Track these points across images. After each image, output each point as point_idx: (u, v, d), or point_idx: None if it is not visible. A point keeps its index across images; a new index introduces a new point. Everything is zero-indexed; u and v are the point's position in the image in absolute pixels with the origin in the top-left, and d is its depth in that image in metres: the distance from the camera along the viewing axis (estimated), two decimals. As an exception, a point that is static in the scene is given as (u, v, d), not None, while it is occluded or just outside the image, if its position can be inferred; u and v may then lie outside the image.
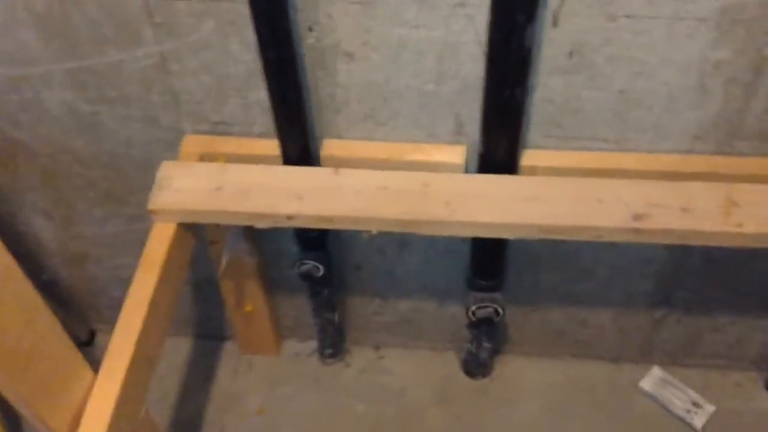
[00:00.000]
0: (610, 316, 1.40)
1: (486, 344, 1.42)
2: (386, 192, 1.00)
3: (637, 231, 0.96)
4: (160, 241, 1.00)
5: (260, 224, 1.01)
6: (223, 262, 1.23)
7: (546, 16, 0.91)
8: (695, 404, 1.44)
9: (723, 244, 0.96)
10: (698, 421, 1.41)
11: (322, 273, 1.23)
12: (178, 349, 1.57)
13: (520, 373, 1.52)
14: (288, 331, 1.55)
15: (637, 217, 0.96)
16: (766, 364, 1.45)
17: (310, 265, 1.21)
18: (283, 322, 1.53)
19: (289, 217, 0.99)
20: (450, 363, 1.53)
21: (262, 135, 1.10)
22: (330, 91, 1.04)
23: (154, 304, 0.95)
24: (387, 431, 1.45)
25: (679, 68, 0.95)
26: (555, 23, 0.92)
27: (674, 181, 1.02)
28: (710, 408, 1.43)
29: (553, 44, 0.95)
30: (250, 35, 0.94)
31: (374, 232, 1.01)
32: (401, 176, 1.02)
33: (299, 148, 1.04)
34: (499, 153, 1.01)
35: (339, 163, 1.08)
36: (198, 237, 1.10)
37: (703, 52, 0.93)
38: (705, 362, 1.48)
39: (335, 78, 1.02)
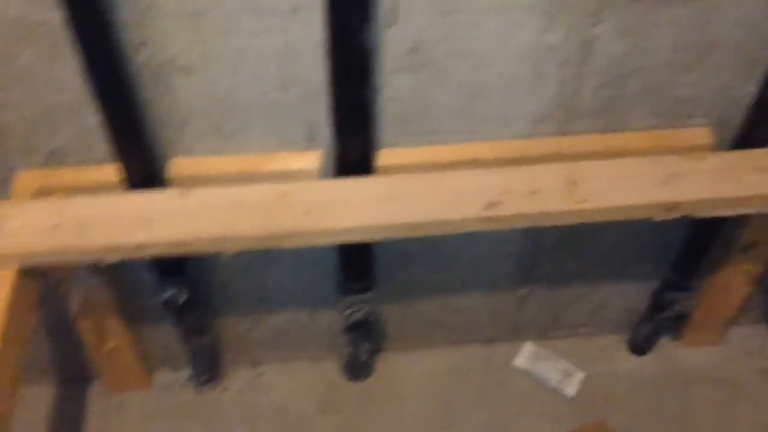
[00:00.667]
0: (479, 300, 1.44)
1: (365, 345, 1.41)
2: (241, 208, 0.96)
3: (492, 219, 0.98)
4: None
5: (109, 258, 0.95)
6: (75, 301, 1.15)
7: (382, 15, 0.91)
8: (566, 373, 1.50)
9: (570, 221, 1.00)
10: (571, 389, 1.48)
11: (185, 299, 1.17)
12: (41, 399, 1.45)
13: (401, 368, 1.52)
14: (158, 362, 1.47)
15: (490, 205, 0.98)
16: (626, 326, 1.54)
17: (171, 292, 1.15)
18: (152, 352, 1.45)
19: (139, 247, 0.93)
20: (331, 370, 1.51)
21: (102, 161, 1.03)
22: (170, 108, 0.99)
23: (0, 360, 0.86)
24: (273, 450, 1.41)
25: (515, 56, 0.98)
26: (393, 22, 0.92)
27: (523, 165, 1.05)
28: (580, 375, 1.50)
29: (392, 43, 0.95)
30: (75, 58, 0.88)
31: (231, 252, 0.97)
32: (256, 189, 0.99)
33: (143, 170, 0.98)
34: (353, 155, 1.01)
35: (190, 182, 1.03)
36: (43, 278, 1.01)
37: (534, 39, 0.96)
38: (572, 332, 1.55)
39: (174, 94, 0.97)
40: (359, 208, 0.98)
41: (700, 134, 1.09)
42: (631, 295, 1.46)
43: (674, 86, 1.05)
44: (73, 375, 1.46)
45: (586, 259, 1.37)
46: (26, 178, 1.01)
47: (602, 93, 1.05)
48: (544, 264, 1.37)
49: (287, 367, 1.51)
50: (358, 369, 1.47)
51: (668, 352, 1.55)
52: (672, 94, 1.06)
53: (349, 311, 1.25)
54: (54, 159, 1.03)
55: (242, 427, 1.43)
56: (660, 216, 1.01)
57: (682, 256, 1.29)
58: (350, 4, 0.80)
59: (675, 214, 1.01)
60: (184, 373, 1.47)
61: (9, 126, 0.97)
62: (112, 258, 0.95)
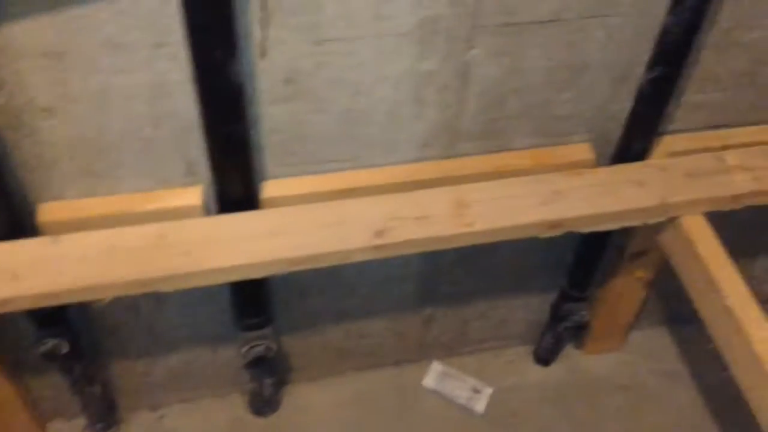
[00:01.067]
0: (383, 324, 1.42)
1: (268, 380, 1.37)
2: (117, 252, 0.92)
3: (380, 247, 0.97)
4: None
5: (-28, 316, 0.88)
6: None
7: (252, 47, 0.88)
8: (475, 390, 1.50)
9: (460, 244, 1.00)
10: (479, 406, 1.48)
11: (67, 348, 1.10)
12: None
13: (309, 399, 1.49)
14: (51, 413, 1.39)
15: (378, 233, 0.97)
16: (531, 338, 1.56)
17: (51, 343, 1.08)
18: (42, 404, 1.36)
19: (4, 302, 0.87)
20: (236, 406, 1.47)
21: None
22: (35, 151, 0.94)
23: None
24: (177, 495, 1.35)
25: (393, 83, 0.97)
26: (263, 54, 0.89)
27: (412, 190, 1.04)
28: (488, 390, 1.50)
29: (267, 75, 0.92)
30: None
31: (107, 300, 0.92)
32: (132, 232, 0.94)
33: (6, 219, 0.91)
34: (235, 190, 0.97)
35: (63, 228, 0.97)
36: None
37: (411, 65, 0.96)
38: (478, 347, 1.55)
39: (38, 136, 0.92)
40: (242, 245, 0.95)
41: (582, 150, 1.11)
42: (532, 307, 1.48)
43: (552, 105, 1.06)
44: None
45: (485, 275, 1.37)
46: None
47: (484, 115, 1.05)
48: (445, 283, 1.37)
49: (190, 406, 1.46)
50: (263, 404, 1.43)
51: (573, 361, 1.58)
52: (551, 112, 1.07)
53: (246, 348, 1.21)
54: None
55: (144, 474, 1.37)
56: (545, 233, 1.02)
57: (574, 268, 1.31)
58: (212, 39, 0.77)
59: (559, 231, 1.02)
60: (80, 422, 1.40)
61: None
62: (-25, 316, 0.88)
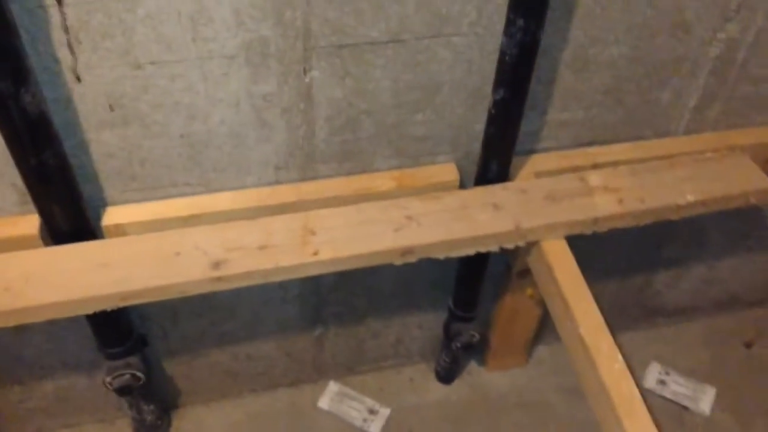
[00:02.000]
0: (272, 345, 1.38)
1: (147, 407, 1.32)
2: (-72, 290, 0.86)
3: (219, 279, 0.92)
4: None
5: None
6: None
7: (64, 72, 0.83)
8: (371, 411, 1.47)
9: (304, 274, 0.95)
10: (375, 428, 1.44)
11: None
12: None
13: (199, 423, 1.45)
14: (-76, 443, 1.34)
15: (216, 265, 0.92)
16: (432, 355, 1.52)
17: None
18: None
19: None
20: (122, 431, 1.42)
21: None
22: None
23: None
24: None
25: (230, 106, 0.93)
26: (77, 78, 0.84)
27: (268, 215, 1.00)
28: (385, 411, 1.47)
29: (86, 99, 0.87)
30: None
31: None
32: (-53, 267, 0.89)
33: None
34: (61, 220, 0.92)
35: None
36: None
37: (246, 88, 0.91)
38: (377, 365, 1.52)
39: None
40: (71, 278, 0.90)
41: (446, 171, 1.08)
42: (427, 324, 1.45)
43: (408, 126, 1.02)
44: None
45: (370, 295, 1.33)
46: None
47: (337, 137, 1.01)
48: (331, 304, 1.33)
49: (75, 432, 1.41)
50: (147, 430, 1.38)
51: (475, 378, 1.55)
52: (409, 133, 1.03)
53: (110, 378, 1.16)
54: None
55: (23, 504, 1.32)
56: (398, 261, 0.98)
57: (456, 288, 1.27)
58: (-5, 68, 0.72)
59: (411, 258, 0.98)
60: (-43, 452, 1.35)
61: None
62: None
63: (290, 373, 1.47)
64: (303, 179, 1.06)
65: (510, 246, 1.00)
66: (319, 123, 0.98)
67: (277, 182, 1.05)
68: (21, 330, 1.17)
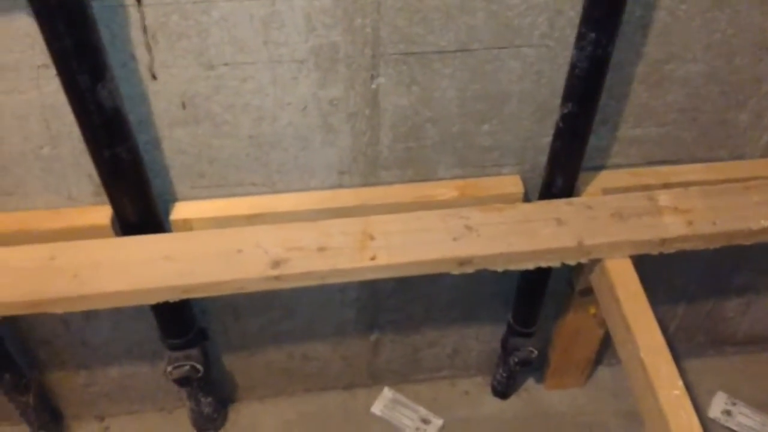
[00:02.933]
0: (328, 347, 1.39)
1: (206, 399, 1.36)
2: (4, 272, 0.91)
3: (277, 278, 0.94)
4: None
5: None
6: None
7: (140, 70, 0.87)
8: (424, 420, 1.46)
9: (361, 278, 0.96)
10: (427, 437, 1.43)
11: (-15, 360, 1.11)
12: None
13: (254, 419, 1.47)
14: (-4, 417, 1.41)
15: (276, 264, 0.94)
16: (488, 369, 1.51)
17: (-35, 354, 1.09)
18: (-14, 409, 1.38)
19: None
20: (181, 422, 1.45)
21: None
22: (-64, 168, 0.94)
23: None
24: None
25: (297, 109, 0.95)
26: (153, 76, 0.88)
27: (328, 218, 1.01)
28: (438, 422, 1.46)
29: (161, 97, 0.90)
30: None
31: (-3, 318, 0.91)
32: (22, 251, 0.93)
33: None
34: (132, 212, 0.96)
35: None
36: None
37: (314, 92, 0.93)
38: (432, 375, 1.51)
39: (-64, 154, 0.92)
40: (135, 269, 0.93)
41: (510, 183, 1.06)
42: (484, 338, 1.43)
43: (474, 136, 1.02)
44: None
45: (430, 303, 1.33)
46: None
47: (401, 144, 1.01)
48: (388, 310, 1.33)
49: (136, 419, 1.45)
50: (204, 422, 1.41)
51: (532, 395, 1.52)
52: (474, 143, 1.03)
53: (170, 368, 1.19)
54: None
55: (83, 484, 1.37)
56: (455, 270, 0.98)
57: (516, 303, 1.26)
58: (77, 64, 0.76)
59: (469, 269, 0.97)
60: (25, 428, 1.40)
61: None
62: None
63: (344, 376, 1.48)
64: (365, 184, 1.06)
65: (572, 262, 0.98)
66: (384, 129, 0.99)
67: (340, 186, 1.06)
68: (89, 317, 1.21)
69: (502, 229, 0.98)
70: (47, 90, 0.87)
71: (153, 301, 0.94)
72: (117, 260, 0.93)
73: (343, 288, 1.26)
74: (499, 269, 0.98)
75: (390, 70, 0.91)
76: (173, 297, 0.94)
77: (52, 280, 0.91)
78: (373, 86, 0.93)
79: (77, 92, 0.78)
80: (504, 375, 1.44)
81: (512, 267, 0.98)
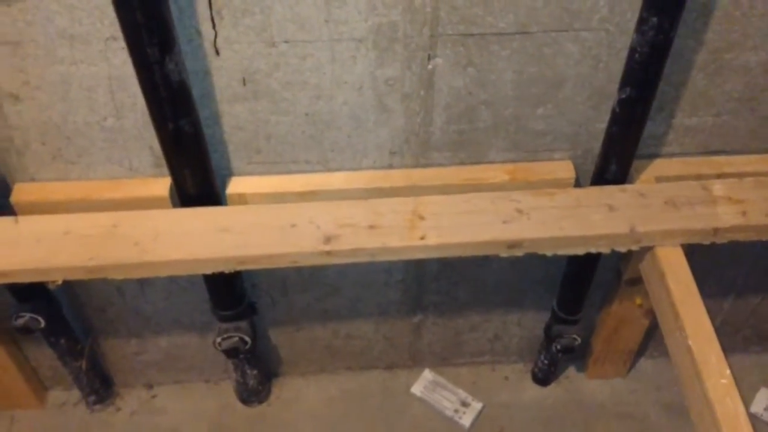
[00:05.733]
0: (371, 327, 1.41)
1: (251, 372, 1.39)
2: (69, 238, 0.95)
3: (328, 253, 0.95)
4: None
5: (-69, 286, 0.93)
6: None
7: (205, 45, 0.89)
8: (464, 403, 1.47)
9: (411, 257, 0.97)
10: (466, 420, 1.45)
11: (44, 324, 1.15)
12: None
13: (297, 393, 1.50)
14: (50, 381, 1.46)
15: (327, 239, 0.96)
16: (530, 355, 1.51)
17: (26, 317, 1.13)
18: (41, 371, 1.43)
19: (-40, 276, 0.92)
20: (226, 393, 1.49)
21: (-56, 187, 1.02)
22: (6, 134, 0.98)
23: None
24: (157, 474, 1.39)
25: (354, 88, 0.96)
26: (217, 52, 0.90)
27: (379, 197, 1.02)
28: (478, 405, 1.47)
29: (223, 72, 0.93)
30: None
31: (59, 282, 0.95)
32: (87, 219, 0.97)
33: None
34: (191, 184, 0.98)
35: (33, 208, 1.02)
36: None
37: (370, 71, 0.94)
38: (473, 360, 1.52)
39: (7, 120, 0.96)
40: (193, 239, 0.96)
41: (562, 168, 1.06)
42: (527, 324, 1.43)
43: (527, 119, 1.02)
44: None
45: (475, 287, 1.34)
46: None
47: (454, 126, 1.02)
48: (433, 292, 1.34)
49: (182, 388, 1.50)
50: (249, 394, 1.45)
51: (573, 383, 1.52)
52: (528, 127, 1.03)
53: (219, 338, 1.22)
54: None
55: (131, 449, 1.42)
56: (504, 253, 0.98)
57: (562, 289, 1.26)
58: (147, 36, 0.78)
59: (518, 252, 0.98)
60: (77, 393, 1.46)
61: None
62: (-64, 286, 0.93)
63: (386, 356, 1.49)
64: (416, 165, 1.08)
65: (622, 249, 0.98)
66: (438, 110, 1.00)
67: (391, 166, 1.07)
68: (144, 286, 1.25)
69: (553, 213, 0.98)
70: (114, 62, 0.90)
71: (209, 270, 0.96)
72: (176, 230, 0.96)
73: (388, 269, 1.28)
74: (549, 253, 0.99)
75: (447, 51, 0.92)
76: (229, 268, 0.96)
77: (114, 247, 0.94)
78: (430, 67, 0.94)
79: (146, 65, 0.81)
80: (545, 362, 1.44)
81: (562, 252, 0.98)
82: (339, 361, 1.49)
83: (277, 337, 1.42)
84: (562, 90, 0.98)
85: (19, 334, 1.16)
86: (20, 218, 0.96)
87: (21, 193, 1.03)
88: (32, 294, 1.13)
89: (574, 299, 1.26)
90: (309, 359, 1.48)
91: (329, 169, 1.07)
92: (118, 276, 0.95)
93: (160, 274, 0.96)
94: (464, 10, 0.88)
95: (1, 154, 1.00)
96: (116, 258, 0.94)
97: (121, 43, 0.87)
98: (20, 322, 1.13)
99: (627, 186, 1.02)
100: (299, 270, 1.25)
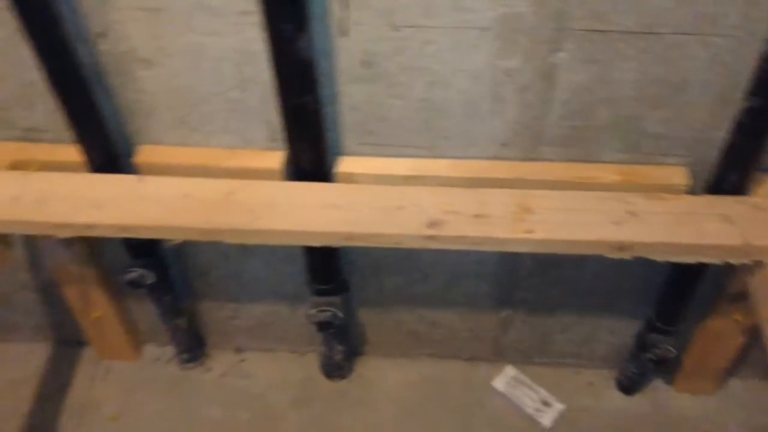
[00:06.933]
0: (457, 317, 1.42)
1: (338, 347, 1.42)
2: (188, 200, 0.99)
3: (432, 238, 0.97)
4: (-44, 250, 0.98)
5: (60, 234, 1.00)
6: (48, 269, 1.21)
7: (333, 25, 0.91)
8: (545, 403, 1.46)
9: (515, 249, 0.97)
10: (546, 420, 1.44)
11: (153, 280, 1.21)
12: (36, 356, 1.54)
13: (378, 374, 1.53)
14: (147, 336, 1.53)
15: (432, 224, 0.97)
16: (616, 362, 1.49)
17: (137, 272, 1.19)
18: (140, 326, 1.51)
19: (88, 227, 0.98)
20: (310, 365, 1.53)
21: (75, 142, 1.08)
22: (135, 98, 1.03)
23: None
24: (240, 436, 1.44)
25: (472, 77, 0.96)
26: (343, 33, 0.92)
27: (482, 187, 1.03)
28: (559, 406, 1.46)
29: (346, 53, 0.95)
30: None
31: (177, 241, 1.00)
32: (206, 184, 1.01)
33: (102, 155, 1.02)
34: (306, 160, 1.02)
35: (154, 170, 1.07)
36: (8, 245, 1.07)
37: (491, 61, 0.94)
38: (558, 361, 1.50)
39: (138, 84, 1.01)
40: (303, 212, 0.99)
41: (676, 174, 1.04)
42: (618, 330, 1.41)
43: (646, 121, 1.00)
44: (68, 337, 1.54)
45: (569, 288, 1.32)
46: (3, 151, 1.08)
47: (569, 122, 1.01)
48: (525, 289, 1.34)
49: (269, 356, 1.54)
50: (333, 368, 1.48)
51: (659, 395, 1.49)
52: (644, 129, 1.01)
53: (314, 311, 1.26)
54: (31, 135, 1.09)
55: (217, 409, 1.48)
56: (611, 254, 0.97)
57: (662, 298, 1.23)
58: (283, 13, 0.81)
59: (626, 255, 0.96)
60: (171, 349, 1.53)
61: (-11, 99, 1.04)
62: (64, 234, 1.00)
63: (469, 347, 1.50)
64: (524, 159, 1.07)
65: (734, 261, 0.96)
66: (554, 105, 0.99)
67: (498, 158, 1.07)
68: (247, 254, 1.30)
69: (666, 218, 0.96)
70: (245, 36, 0.93)
71: (317, 243, 0.99)
72: (288, 202, 1.00)
73: (482, 260, 1.28)
74: (658, 259, 0.97)
75: (571, 45, 0.91)
76: (335, 242, 0.99)
77: (230, 212, 0.98)
78: (552, 61, 0.94)
79: (279, 40, 0.84)
80: (634, 371, 1.42)
81: (672, 259, 0.97)
82: (422, 347, 1.51)
83: (365, 316, 1.44)
84: (684, 94, 0.96)
85: (129, 287, 1.23)
86: (144, 178, 1.02)
87: (144, 154, 1.08)
88: (145, 251, 1.19)
89: (673, 309, 1.23)
90: (393, 342, 1.50)
91: (436, 156, 1.08)
92: (232, 240, 0.99)
93: (271, 242, 1.00)
94: (593, 5, 0.87)
95: (129, 116, 1.06)
96: (231, 223, 0.98)
97: (254, 18, 0.91)
98: (131, 276, 1.19)
99: (744, 198, 0.99)
100: (394, 253, 1.26)
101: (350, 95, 1.00)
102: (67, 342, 1.55)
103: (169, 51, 0.96)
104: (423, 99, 1.00)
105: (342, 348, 1.43)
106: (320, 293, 1.26)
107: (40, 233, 1.01)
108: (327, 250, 1.18)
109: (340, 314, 1.28)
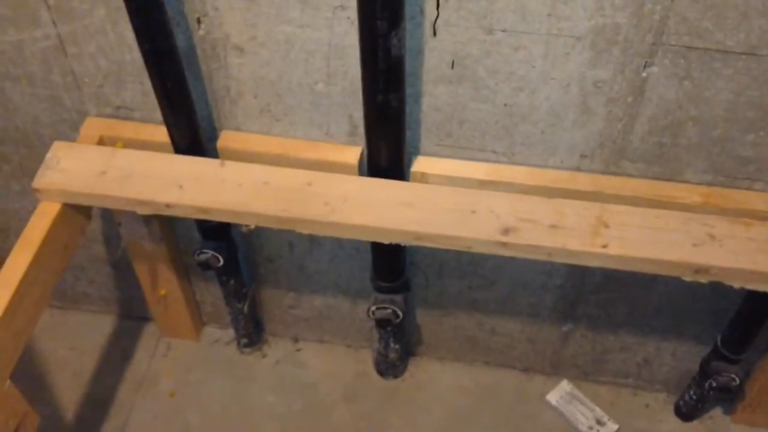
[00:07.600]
0: (517, 326, 1.41)
1: (394, 345, 1.42)
2: (267, 188, 1.01)
3: (504, 245, 0.96)
4: (42, 219, 1.01)
5: (141, 210, 1.02)
6: (122, 244, 1.25)
7: (424, 25, 0.92)
8: (599, 421, 1.44)
9: (588, 263, 0.96)
10: (599, 438, 1.42)
11: (222, 263, 1.24)
12: (100, 327, 1.59)
13: (431, 376, 1.52)
14: (208, 317, 1.57)
15: (505, 231, 0.96)
16: (675, 388, 1.45)
17: (208, 254, 1.22)
18: (203, 308, 1.54)
19: (168, 206, 1.00)
20: (364, 361, 1.54)
21: (162, 122, 1.11)
22: (224, 83, 1.05)
23: (26, 283, 0.96)
24: (291, 424, 1.46)
25: (560, 85, 0.96)
26: (434, 33, 0.92)
27: (559, 198, 1.02)
28: (614, 426, 1.43)
29: (434, 53, 0.95)
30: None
31: (252, 226, 1.01)
32: (285, 173, 1.03)
33: (187, 137, 1.05)
34: (383, 157, 1.02)
35: (235, 155, 1.09)
36: (86, 216, 1.11)
37: (581, 71, 0.93)
38: (615, 380, 1.48)
39: (228, 71, 1.03)
40: (376, 208, 0.99)
41: (763, 199, 1.01)
42: (681, 355, 1.38)
43: (735, 144, 0.97)
44: (134, 312, 1.58)
45: (635, 306, 1.30)
46: (94, 125, 1.11)
47: (654, 138, 0.99)
48: (589, 304, 1.32)
49: (325, 348, 1.56)
50: (387, 366, 1.49)
51: (717, 424, 1.45)
52: (733, 151, 0.99)
53: (374, 308, 1.26)
54: (122, 113, 1.12)
55: (271, 396, 1.50)
56: (688, 277, 0.95)
57: (731, 324, 1.20)
58: (378, 10, 0.82)
59: (703, 278, 0.94)
60: (231, 332, 1.56)
61: (86, 74, 1.07)
62: (144, 210, 1.03)
63: (526, 358, 1.49)
64: (605, 172, 1.06)
65: (817, 295, 0.92)
66: (642, 120, 0.98)
67: (578, 169, 1.06)
68: (313, 245, 1.31)
69: (749, 245, 0.94)
70: (337, 30, 0.95)
71: (388, 240, 1.00)
72: (363, 197, 1.00)
73: (549, 271, 1.27)
74: (735, 285, 0.95)
75: (666, 61, 0.90)
76: (406, 241, 0.99)
77: (306, 203, 1.00)
78: (644, 74, 0.92)
79: (372, 36, 0.84)
80: (694, 397, 1.38)
81: (750, 286, 0.94)
82: (478, 353, 1.50)
83: (423, 317, 1.44)
84: (779, 118, 0.93)
85: (199, 268, 1.25)
86: (226, 162, 1.04)
87: (227, 139, 1.10)
88: (218, 234, 1.22)
89: (741, 338, 1.20)
90: (448, 345, 1.50)
91: (513, 162, 1.07)
92: (305, 230, 1.01)
93: (343, 236, 1.01)
94: (694, 22, 0.85)
95: (215, 101, 1.08)
96: (307, 213, 0.99)
97: (348, 13, 0.92)
98: (202, 257, 1.22)
99: (835, 231, 0.95)
100: (459, 256, 1.27)
101: (434, 95, 1.00)
102: (132, 316, 1.60)
103: (262, 40, 0.98)
104: (507, 104, 0.99)
105: (397, 347, 1.43)
106: (383, 290, 1.26)
107: (122, 208, 1.04)
108: (394, 248, 1.18)
109: (400, 313, 1.28)
